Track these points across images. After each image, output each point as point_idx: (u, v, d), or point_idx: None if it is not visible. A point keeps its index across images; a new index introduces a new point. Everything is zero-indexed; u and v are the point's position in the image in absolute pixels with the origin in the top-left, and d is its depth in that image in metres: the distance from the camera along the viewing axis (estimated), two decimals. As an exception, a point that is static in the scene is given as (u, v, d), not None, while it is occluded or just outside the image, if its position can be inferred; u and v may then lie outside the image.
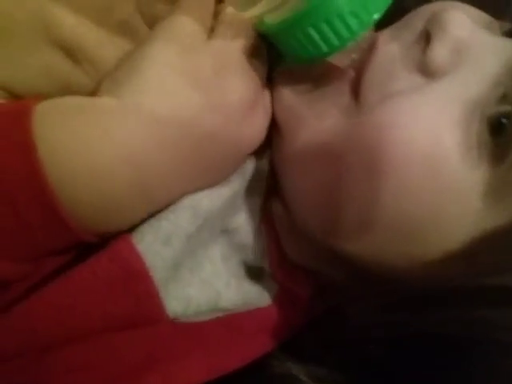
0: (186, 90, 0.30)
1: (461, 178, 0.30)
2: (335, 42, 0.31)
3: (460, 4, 0.35)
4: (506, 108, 0.30)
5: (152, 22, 0.34)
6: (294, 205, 0.35)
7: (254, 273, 0.36)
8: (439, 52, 0.32)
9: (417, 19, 0.34)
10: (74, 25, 0.32)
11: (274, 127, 0.35)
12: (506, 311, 0.32)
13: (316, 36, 0.31)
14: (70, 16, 0.32)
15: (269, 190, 0.37)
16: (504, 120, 0.30)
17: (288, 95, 0.34)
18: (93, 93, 0.32)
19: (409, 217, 0.30)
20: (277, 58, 0.34)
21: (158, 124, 0.29)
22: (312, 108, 0.34)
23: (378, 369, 0.33)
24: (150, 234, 0.30)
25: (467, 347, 0.31)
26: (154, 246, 0.30)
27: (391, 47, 0.33)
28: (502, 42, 0.33)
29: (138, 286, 0.30)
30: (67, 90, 0.33)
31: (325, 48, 0.31)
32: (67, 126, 0.28)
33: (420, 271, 0.32)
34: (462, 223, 0.30)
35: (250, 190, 0.35)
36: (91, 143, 0.28)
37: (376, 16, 0.31)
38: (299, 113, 0.34)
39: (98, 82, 0.32)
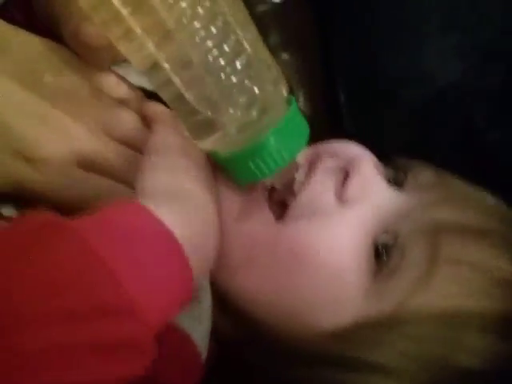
0: None
1: (352, 279, 0.41)
2: (266, 171, 0.40)
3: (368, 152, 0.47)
4: (386, 238, 0.42)
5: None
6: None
7: None
8: (354, 187, 0.43)
9: (342, 154, 0.46)
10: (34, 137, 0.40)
11: None
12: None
13: (253, 167, 0.40)
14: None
15: None
16: (381, 249, 0.42)
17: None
18: (44, 187, 0.40)
19: (312, 299, 0.41)
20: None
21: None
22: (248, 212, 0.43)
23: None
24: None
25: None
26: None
27: (323, 176, 0.44)
28: (389, 191, 0.45)
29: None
30: (20, 186, 0.41)
31: (259, 175, 0.41)
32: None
33: (302, 337, 0.41)
34: (347, 312, 0.41)
35: None
36: None
37: (295, 155, 0.41)
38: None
39: (49, 177, 0.40)
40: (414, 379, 0.39)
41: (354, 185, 0.43)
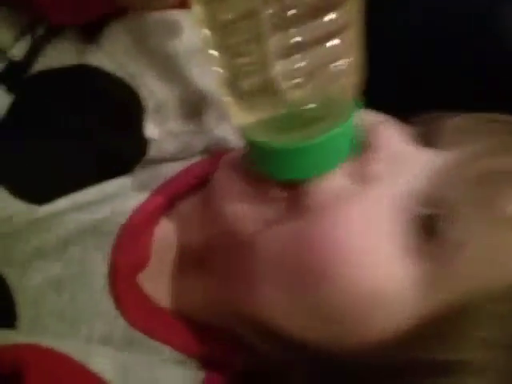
0: None
1: (396, 269, 0.34)
2: (314, 170, 0.36)
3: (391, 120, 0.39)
4: (430, 210, 0.34)
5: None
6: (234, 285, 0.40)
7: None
8: (376, 164, 0.36)
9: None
10: None
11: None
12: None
13: (311, 163, 0.35)
14: None
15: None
16: (431, 221, 0.34)
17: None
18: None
19: (353, 305, 0.35)
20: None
21: None
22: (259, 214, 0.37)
23: None
24: None
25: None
26: None
27: None
28: (423, 154, 0.37)
29: None
30: None
31: (311, 172, 0.36)
32: None
33: (357, 349, 0.36)
34: (399, 311, 0.35)
35: None
36: None
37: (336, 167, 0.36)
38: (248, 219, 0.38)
39: None
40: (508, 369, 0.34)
41: (375, 162, 0.36)
